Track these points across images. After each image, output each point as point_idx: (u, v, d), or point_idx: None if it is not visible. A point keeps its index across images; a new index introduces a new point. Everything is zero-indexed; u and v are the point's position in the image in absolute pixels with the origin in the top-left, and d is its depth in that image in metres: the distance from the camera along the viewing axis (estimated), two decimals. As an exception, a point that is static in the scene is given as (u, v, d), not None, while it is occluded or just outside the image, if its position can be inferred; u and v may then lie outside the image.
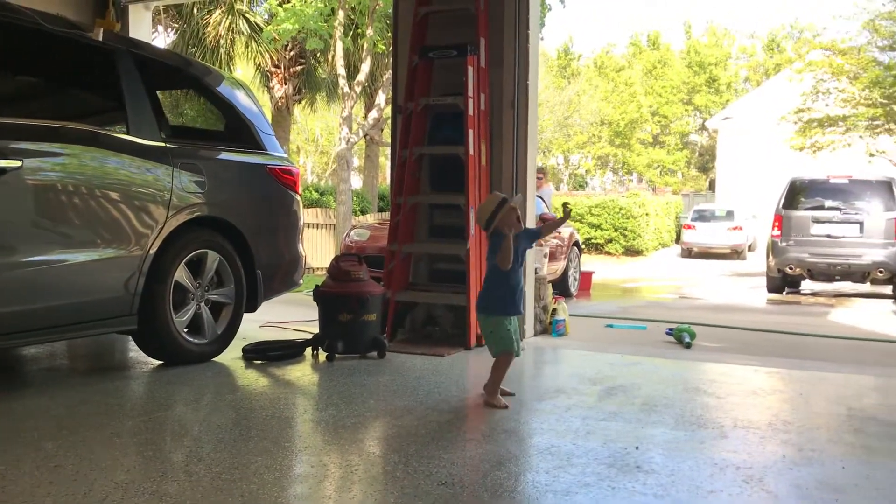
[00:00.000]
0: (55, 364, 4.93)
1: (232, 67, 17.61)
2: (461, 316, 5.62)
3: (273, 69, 18.43)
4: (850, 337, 7.36)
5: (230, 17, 16.77)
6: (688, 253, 25.17)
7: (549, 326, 6.46)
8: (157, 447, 3.19)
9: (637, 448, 3.13)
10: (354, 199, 17.70)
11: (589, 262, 18.65)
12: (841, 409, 3.95)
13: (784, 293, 13.00)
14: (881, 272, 11.96)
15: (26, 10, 4.20)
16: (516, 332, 3.94)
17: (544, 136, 34.64)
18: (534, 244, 4.09)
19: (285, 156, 5.71)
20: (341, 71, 15.55)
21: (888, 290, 12.62)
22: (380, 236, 8.24)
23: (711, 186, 34.53)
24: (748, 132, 29.57)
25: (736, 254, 24.56)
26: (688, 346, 6.29)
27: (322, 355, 5.06)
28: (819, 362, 5.71)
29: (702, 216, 25.23)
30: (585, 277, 12.30)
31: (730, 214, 25.01)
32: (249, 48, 17.44)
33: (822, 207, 12.53)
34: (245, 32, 17.00)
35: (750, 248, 25.63)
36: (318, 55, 18.47)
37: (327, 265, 5.52)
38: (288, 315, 6.78)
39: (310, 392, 4.35)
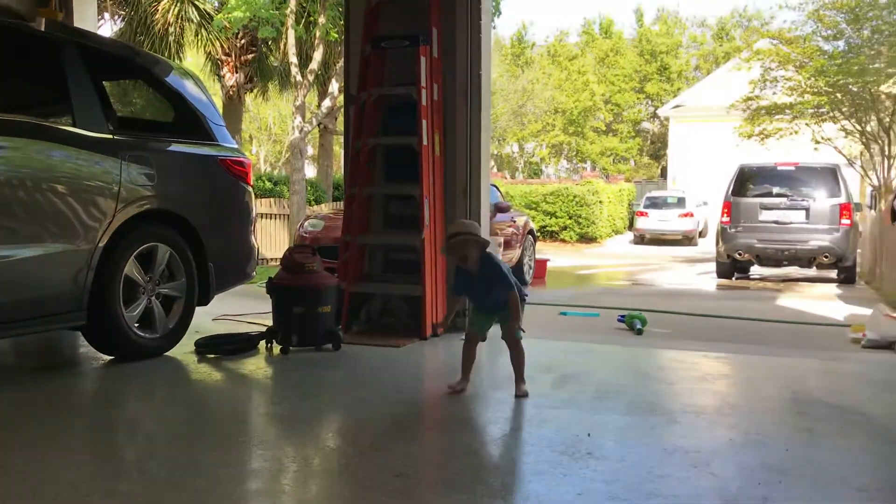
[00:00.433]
0: (1, 361, 4.83)
1: (181, 56, 17.33)
2: (416, 306, 5.63)
3: (224, 57, 18.17)
4: (796, 321, 7.55)
5: (179, 4, 16.48)
6: (640, 239, 25.54)
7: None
8: (109, 444, 3.16)
9: (589, 435, 3.18)
10: (309, 188, 17.56)
11: (544, 249, 18.80)
12: (786, 393, 4.05)
13: (733, 278, 13.27)
14: (826, 257, 12.27)
15: (-36, -1, 4.09)
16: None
17: (499, 124, 34.75)
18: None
19: (236, 147, 5.65)
20: (294, 59, 15.40)
21: (833, 274, 12.96)
22: (334, 227, 8.20)
23: (663, 174, 35.02)
24: (698, 120, 30.00)
25: (687, 240, 24.99)
26: (639, 332, 6.40)
27: (276, 348, 5.03)
28: (766, 347, 5.86)
29: (654, 203, 25.60)
30: (540, 265, 12.41)
31: (681, 201, 25.43)
32: (199, 36, 17.17)
33: (769, 194, 12.80)
34: (195, 20, 16.72)
35: (701, 234, 26.10)
36: (269, 43, 18.25)
37: (281, 256, 5.48)
38: (241, 308, 6.72)
39: (264, 386, 4.33)
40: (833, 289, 11.72)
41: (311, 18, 16.01)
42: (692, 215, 25.11)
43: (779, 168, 13.18)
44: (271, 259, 15.04)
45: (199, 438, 3.13)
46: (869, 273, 13.01)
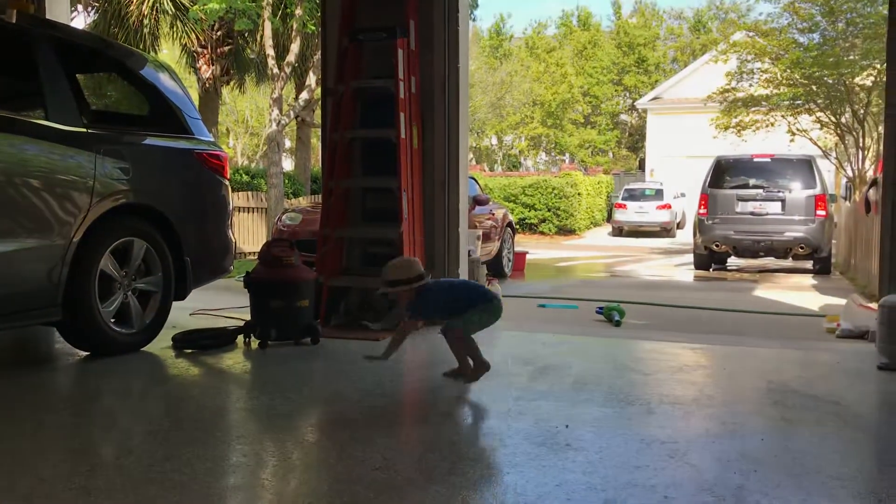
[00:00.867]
0: (-24, 358, 4.78)
1: (156, 48, 17.15)
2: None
3: (200, 50, 18.01)
4: (772, 312, 7.62)
5: (154, -4, 16.31)
6: (619, 231, 25.67)
7: (483, 308, 6.51)
8: (85, 440, 3.13)
9: (567, 426, 3.20)
10: (286, 181, 17.48)
11: (523, 242, 18.85)
12: (762, 383, 4.09)
13: (710, 269, 13.38)
14: (802, 248, 12.40)
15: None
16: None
17: (477, 116, 34.73)
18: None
19: (213, 140, 5.62)
20: (270, 52, 15.31)
21: (809, 264, 13.10)
22: (312, 220, 8.18)
23: (641, 166, 35.18)
24: (676, 112, 30.17)
25: (665, 231, 25.15)
26: (617, 324, 6.44)
27: (254, 343, 5.01)
28: (743, 337, 5.92)
29: (632, 195, 25.73)
30: (519, 258, 12.44)
31: (659, 193, 25.58)
32: (175, 28, 17.02)
33: (746, 186, 12.91)
34: (170, 12, 16.56)
35: (679, 226, 26.28)
36: (246, 35, 18.12)
37: (259, 250, 5.46)
38: (219, 302, 6.68)
39: (242, 380, 4.32)
40: (809, 279, 11.85)
41: (288, 10, 15.91)
42: (670, 207, 25.28)
43: (755, 160, 13.29)
44: (249, 253, 14.96)
45: (177, 433, 3.12)
46: (844, 263, 13.16)
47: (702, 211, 12.99)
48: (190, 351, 4.83)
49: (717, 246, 12.89)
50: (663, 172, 29.88)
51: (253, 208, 16.07)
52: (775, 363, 4.66)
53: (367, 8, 5.95)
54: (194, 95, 16.27)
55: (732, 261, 14.26)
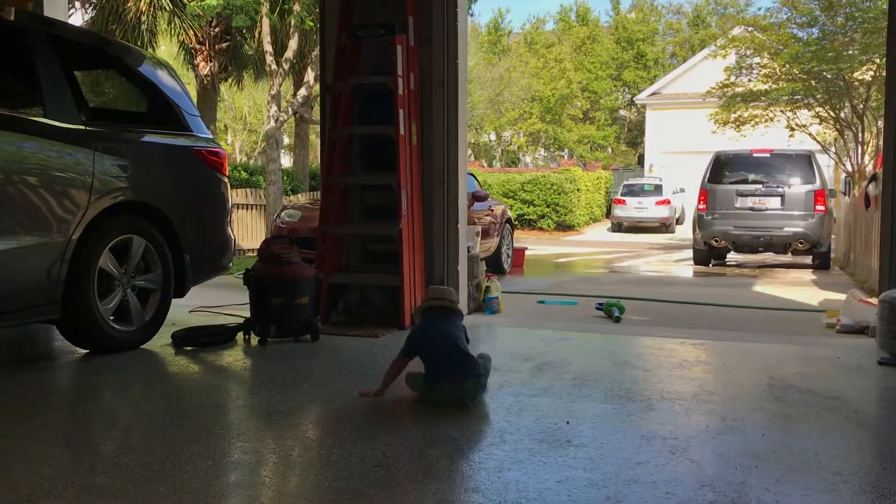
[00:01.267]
0: (-25, 356, 4.78)
1: (154, 45, 17.10)
2: (394, 296, 5.63)
3: (198, 46, 17.97)
4: (772, 307, 7.62)
5: (152, -8, 16.26)
6: (618, 227, 25.66)
7: (483, 304, 6.52)
8: (86, 439, 3.13)
9: (568, 423, 3.20)
10: (285, 178, 17.46)
11: (522, 238, 18.84)
12: (762, 379, 4.09)
13: (710, 265, 13.38)
14: (801, 243, 12.40)
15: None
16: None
17: (476, 112, 34.68)
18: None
19: (211, 137, 5.60)
20: (268, 48, 15.27)
21: (808, 260, 13.10)
22: (311, 217, 8.17)
23: (640, 161, 35.16)
24: (675, 107, 30.15)
25: (664, 227, 25.15)
26: (617, 320, 6.43)
27: (254, 340, 5.01)
28: (743, 333, 5.92)
29: (631, 191, 25.71)
30: (518, 254, 12.44)
31: (658, 189, 25.56)
32: (172, 25, 16.96)
33: (745, 181, 12.91)
34: (167, 8, 16.50)
35: (678, 221, 26.28)
36: (244, 32, 18.07)
37: (258, 247, 5.45)
38: (218, 299, 6.68)
39: (242, 378, 4.31)
40: (808, 275, 11.85)
41: (286, 6, 15.86)
42: (669, 202, 25.26)
43: (754, 155, 13.29)
44: (248, 250, 14.96)
45: (177, 431, 3.11)
46: (843, 259, 13.16)
47: (701, 206, 12.99)
48: (189, 348, 4.84)
49: (716, 241, 12.89)
50: (662, 168, 29.87)
51: (252, 205, 16.06)
52: (775, 359, 4.66)
53: (366, 4, 5.93)
54: (192, 92, 16.23)
55: (732, 256, 14.26)
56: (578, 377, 4.09)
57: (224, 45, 18.19)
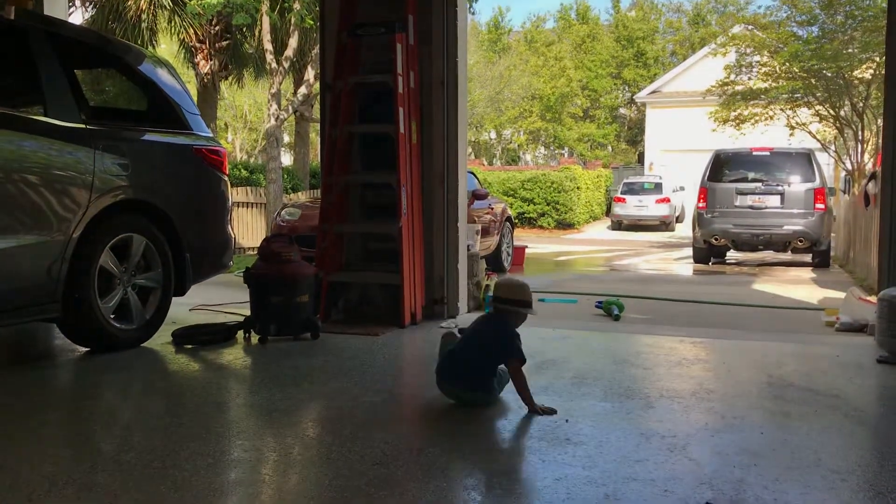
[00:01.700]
0: (-24, 354, 4.78)
1: (155, 43, 17.11)
2: (395, 295, 5.63)
3: (198, 45, 17.97)
4: (771, 306, 7.63)
5: (152, -10, 16.26)
6: (618, 225, 25.67)
7: (483, 302, 6.53)
8: (86, 437, 3.13)
9: (567, 421, 3.21)
10: (285, 176, 17.47)
11: (522, 236, 18.85)
12: (762, 377, 4.10)
13: (710, 263, 13.38)
14: (801, 241, 12.41)
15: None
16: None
17: (476, 111, 34.66)
18: None
19: (211, 136, 5.61)
20: (269, 46, 15.28)
21: (808, 258, 13.10)
22: (311, 215, 8.18)
23: (640, 160, 35.16)
24: (675, 105, 30.14)
25: (664, 225, 25.15)
26: (617, 318, 6.44)
27: (254, 338, 5.02)
28: (742, 331, 5.92)
29: (631, 189, 25.72)
30: (518, 252, 12.45)
31: (658, 187, 25.57)
32: (173, 23, 16.97)
33: (745, 179, 12.91)
34: (168, 7, 16.51)
35: (678, 220, 26.28)
36: (244, 30, 18.08)
37: (258, 245, 5.46)
38: (218, 298, 6.69)
39: (242, 376, 4.32)
40: (808, 273, 11.86)
41: (286, 5, 15.86)
42: (669, 201, 25.27)
43: (754, 153, 13.29)
44: (248, 248, 14.96)
45: (177, 429, 3.12)
46: (843, 257, 13.17)
47: (701, 205, 12.99)
48: (190, 347, 4.84)
49: (716, 239, 12.89)
50: (662, 166, 29.87)
51: (252, 203, 16.06)
52: (774, 357, 4.66)
53: (366, 3, 5.94)
54: (192, 91, 16.23)
55: (731, 254, 14.27)
56: (578, 375, 4.10)
57: (224, 43, 18.19)
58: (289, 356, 4.57)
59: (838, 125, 18.23)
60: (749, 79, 19.12)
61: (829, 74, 17.14)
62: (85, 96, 5.38)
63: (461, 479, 2.58)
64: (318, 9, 6.70)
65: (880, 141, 7.18)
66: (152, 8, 16.33)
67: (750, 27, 19.86)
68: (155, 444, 2.92)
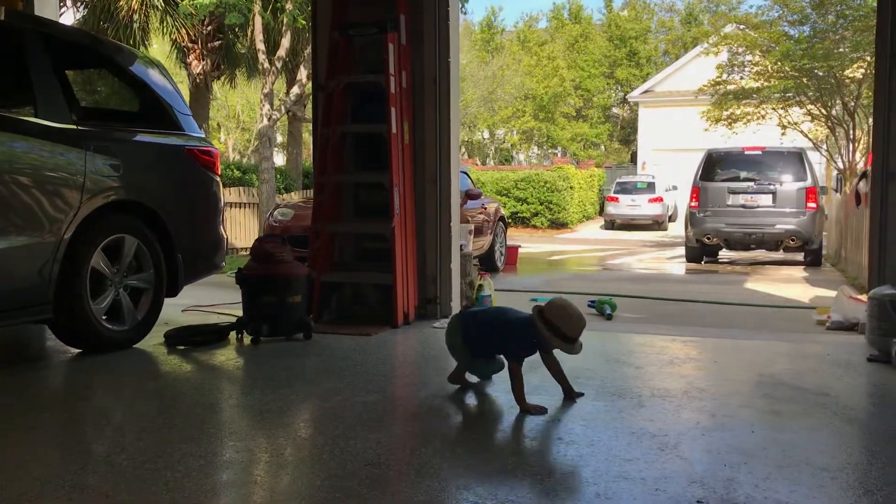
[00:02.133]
0: (-33, 356, 4.77)
1: (147, 44, 17.08)
2: (387, 295, 5.63)
3: (190, 45, 17.94)
4: (763, 304, 7.66)
5: (143, -10, 16.22)
6: (611, 225, 25.72)
7: (476, 302, 6.53)
8: (77, 438, 3.13)
9: (559, 420, 3.21)
10: (278, 176, 17.45)
11: (515, 236, 18.87)
12: (752, 376, 4.12)
13: (702, 262, 13.42)
14: (793, 240, 12.45)
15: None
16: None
17: (469, 110, 34.69)
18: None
19: (203, 136, 5.61)
20: (261, 46, 15.27)
21: (800, 256, 13.15)
22: (304, 215, 8.17)
23: (633, 159, 35.23)
24: (667, 105, 30.21)
25: (657, 224, 25.21)
26: (609, 317, 6.46)
27: (247, 339, 5.01)
28: (733, 330, 5.94)
29: (624, 188, 25.78)
30: (511, 252, 12.46)
31: (650, 186, 25.64)
32: (165, 23, 16.94)
33: (737, 179, 12.96)
34: (160, 7, 16.48)
35: (671, 219, 26.34)
36: (237, 30, 18.05)
37: (251, 246, 5.46)
38: (211, 299, 6.68)
39: (235, 377, 4.32)
40: (799, 271, 11.90)
41: (279, 5, 15.84)
42: (662, 200, 25.34)
43: (746, 152, 13.34)
44: (241, 249, 14.94)
45: (170, 430, 3.12)
46: (834, 256, 13.22)
47: (693, 204, 13.03)
48: (182, 347, 4.84)
49: (708, 239, 12.93)
50: (655, 165, 29.93)
51: (244, 204, 16.05)
52: (766, 356, 4.68)
53: (358, 2, 5.93)
54: (185, 91, 16.21)
55: (724, 253, 14.31)
56: (569, 374, 4.08)
57: (217, 43, 18.16)
58: (281, 357, 4.57)
59: (830, 124, 18.31)
60: (741, 78, 19.19)
61: (821, 74, 17.21)
62: (76, 97, 5.36)
63: (453, 479, 2.59)
64: (310, 9, 6.70)
65: (871, 140, 7.22)
66: (144, 8, 16.30)
67: (742, 27, 19.93)
68: (147, 445, 2.92)
